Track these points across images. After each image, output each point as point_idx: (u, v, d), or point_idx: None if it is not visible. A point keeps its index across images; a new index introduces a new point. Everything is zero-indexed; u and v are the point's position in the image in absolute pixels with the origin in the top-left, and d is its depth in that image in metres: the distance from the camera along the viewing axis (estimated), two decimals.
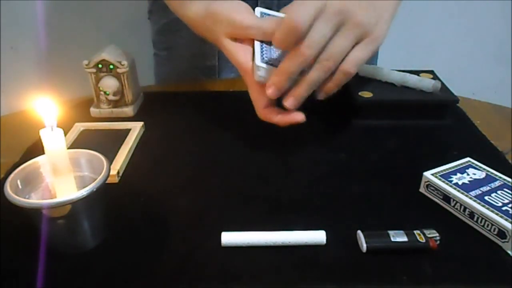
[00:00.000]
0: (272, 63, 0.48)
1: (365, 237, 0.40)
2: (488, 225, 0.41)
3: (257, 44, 0.50)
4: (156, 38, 0.87)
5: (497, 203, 0.43)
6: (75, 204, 0.37)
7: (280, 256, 0.40)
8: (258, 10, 0.53)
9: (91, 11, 1.23)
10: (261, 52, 0.49)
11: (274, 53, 0.50)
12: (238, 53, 0.50)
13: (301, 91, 0.48)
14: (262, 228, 0.42)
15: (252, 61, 0.50)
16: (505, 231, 0.40)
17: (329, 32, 0.45)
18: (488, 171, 0.47)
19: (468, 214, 0.43)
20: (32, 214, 0.38)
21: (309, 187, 0.49)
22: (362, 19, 0.46)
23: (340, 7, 0.44)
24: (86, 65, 0.62)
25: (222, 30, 0.51)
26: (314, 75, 0.47)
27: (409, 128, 0.60)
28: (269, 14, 0.53)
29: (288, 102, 0.48)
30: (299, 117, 0.50)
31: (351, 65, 0.47)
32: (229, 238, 0.41)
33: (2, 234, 0.43)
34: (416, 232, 0.41)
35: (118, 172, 0.51)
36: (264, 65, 0.48)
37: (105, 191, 0.40)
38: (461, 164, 0.49)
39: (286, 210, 0.46)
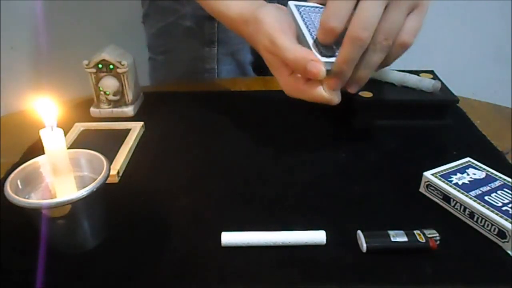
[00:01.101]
0: (330, 53, 0.46)
1: (365, 237, 0.40)
2: (488, 225, 0.41)
3: (309, 38, 0.47)
4: (152, 42, 0.86)
5: (497, 203, 0.43)
6: (75, 204, 0.37)
7: (280, 256, 0.40)
8: (292, 3, 0.50)
9: (91, 11, 1.23)
10: (316, 45, 0.47)
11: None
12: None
13: (363, 75, 0.47)
14: (262, 228, 0.42)
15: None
16: (505, 231, 0.40)
17: (380, 7, 0.43)
18: (488, 171, 0.47)
19: (468, 214, 0.43)
20: (32, 214, 0.38)
21: (309, 187, 0.49)
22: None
23: None
24: (86, 65, 0.62)
25: (262, 45, 0.50)
26: (376, 57, 0.45)
27: (409, 128, 0.60)
28: (305, 6, 0.51)
29: (353, 88, 0.48)
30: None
31: (409, 36, 0.45)
32: (229, 238, 0.41)
33: (2, 234, 0.43)
34: (416, 232, 0.41)
35: (118, 172, 0.51)
36: (325, 59, 0.46)
37: (105, 191, 0.40)
38: (461, 164, 0.49)
39: (286, 210, 0.46)
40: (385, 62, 0.48)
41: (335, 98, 0.48)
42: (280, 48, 0.47)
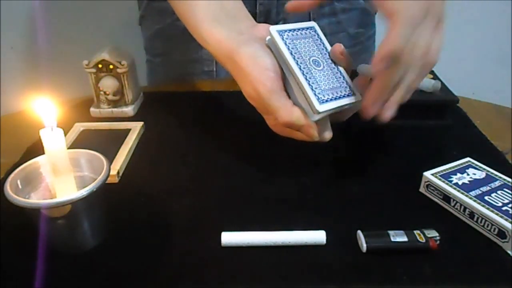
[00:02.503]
0: (326, 96, 0.43)
1: (365, 237, 0.40)
2: (488, 225, 0.41)
3: (302, 78, 0.43)
4: (149, 44, 0.85)
5: (497, 203, 0.42)
6: (75, 204, 0.37)
7: (280, 256, 0.40)
8: (274, 29, 0.44)
9: (91, 12, 1.23)
10: (311, 87, 0.43)
11: (324, 78, 0.44)
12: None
13: (400, 97, 0.45)
14: (262, 228, 0.42)
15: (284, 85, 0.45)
16: (505, 231, 0.40)
17: (417, 30, 0.42)
18: (488, 171, 0.47)
19: (468, 214, 0.43)
20: (32, 214, 0.38)
21: (309, 187, 0.49)
22: (441, 7, 0.44)
23: (426, 4, 0.42)
24: (86, 65, 0.62)
25: (247, 93, 0.46)
26: (411, 77, 0.44)
27: (409, 128, 0.60)
28: (288, 31, 0.45)
29: (388, 113, 0.45)
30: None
31: (436, 56, 0.44)
32: (229, 238, 0.41)
33: (2, 234, 0.43)
34: (416, 232, 0.41)
35: (118, 172, 0.51)
36: (323, 108, 0.42)
37: (105, 191, 0.40)
38: (461, 164, 0.49)
39: (286, 210, 0.46)
40: (417, 83, 0.45)
41: (326, 135, 0.46)
42: (270, 106, 0.44)
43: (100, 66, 0.62)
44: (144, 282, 0.38)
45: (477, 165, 0.49)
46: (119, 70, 0.62)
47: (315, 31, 0.48)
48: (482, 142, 0.58)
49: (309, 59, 0.45)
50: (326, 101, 0.43)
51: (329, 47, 0.47)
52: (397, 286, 0.37)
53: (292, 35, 0.45)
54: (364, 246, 0.40)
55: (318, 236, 0.41)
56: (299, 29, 0.46)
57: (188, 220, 0.45)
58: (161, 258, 0.40)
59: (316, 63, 0.45)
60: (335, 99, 0.44)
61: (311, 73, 0.44)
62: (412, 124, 0.61)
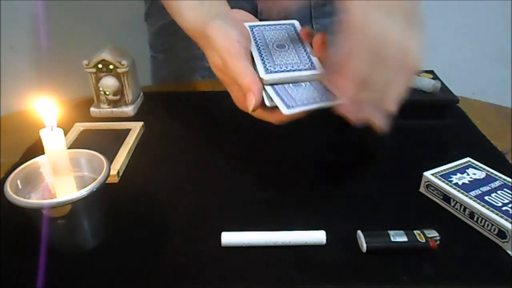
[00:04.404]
0: (278, 68, 0.45)
1: (365, 237, 0.40)
2: (488, 225, 0.41)
3: (256, 56, 0.46)
4: (154, 41, 0.86)
5: (497, 203, 0.42)
6: (75, 204, 0.37)
7: (280, 256, 0.40)
8: (247, 25, 0.48)
9: (91, 11, 1.23)
10: (263, 62, 0.45)
11: (282, 55, 0.46)
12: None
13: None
14: (262, 228, 0.42)
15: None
16: (505, 231, 0.40)
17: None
18: (488, 171, 0.47)
19: (468, 214, 0.43)
20: (32, 214, 0.38)
21: (309, 187, 0.49)
22: (415, 58, 0.44)
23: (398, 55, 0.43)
24: (86, 65, 0.62)
25: (214, 63, 0.48)
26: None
27: (409, 128, 0.60)
28: (260, 26, 0.48)
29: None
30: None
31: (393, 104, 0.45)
32: (229, 238, 0.41)
33: (2, 234, 0.43)
34: (416, 232, 0.41)
35: (118, 172, 0.51)
36: (268, 76, 0.44)
37: (105, 191, 0.40)
38: (461, 164, 0.49)
39: (286, 210, 0.46)
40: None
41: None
42: (233, 71, 0.45)
43: (100, 66, 0.62)
44: (144, 282, 0.38)
45: (477, 165, 0.49)
46: (119, 70, 0.62)
47: (293, 26, 0.49)
48: (482, 142, 0.58)
49: (272, 44, 0.46)
50: (275, 72, 0.44)
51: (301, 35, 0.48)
52: (397, 286, 0.37)
53: (261, 28, 0.48)
54: (364, 246, 0.40)
55: (318, 236, 0.41)
56: (275, 25, 0.48)
57: (188, 220, 0.45)
58: (161, 258, 0.40)
59: (281, 46, 0.47)
60: (288, 71, 0.44)
61: (269, 51, 0.46)
62: (412, 124, 0.61)
